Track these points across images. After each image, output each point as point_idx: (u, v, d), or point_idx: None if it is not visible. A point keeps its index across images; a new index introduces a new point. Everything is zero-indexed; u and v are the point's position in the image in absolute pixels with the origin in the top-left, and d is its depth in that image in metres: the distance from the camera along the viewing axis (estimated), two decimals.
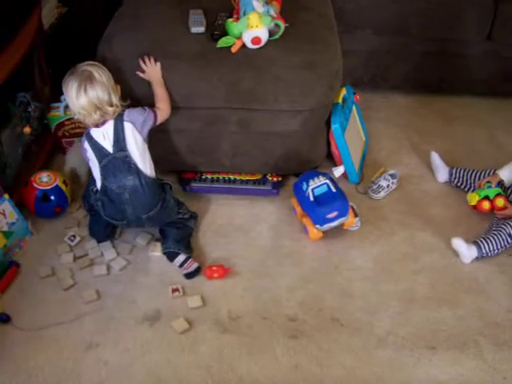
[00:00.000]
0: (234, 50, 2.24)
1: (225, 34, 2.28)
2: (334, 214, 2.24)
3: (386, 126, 2.96)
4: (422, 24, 2.90)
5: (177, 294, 2.12)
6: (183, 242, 2.25)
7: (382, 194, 2.53)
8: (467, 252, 2.25)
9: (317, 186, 2.26)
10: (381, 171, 2.64)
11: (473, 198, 2.40)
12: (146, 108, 2.17)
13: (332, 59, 2.30)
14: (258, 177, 2.50)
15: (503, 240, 2.24)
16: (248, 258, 2.26)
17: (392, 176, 2.57)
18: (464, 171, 2.55)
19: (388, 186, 2.54)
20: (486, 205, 2.37)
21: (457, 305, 2.13)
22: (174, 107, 2.26)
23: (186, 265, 2.19)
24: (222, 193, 2.51)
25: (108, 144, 2.10)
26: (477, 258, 2.26)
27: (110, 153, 2.10)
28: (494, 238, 2.25)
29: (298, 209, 2.36)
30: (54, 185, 2.34)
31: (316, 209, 2.23)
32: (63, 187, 2.36)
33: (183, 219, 2.32)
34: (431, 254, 2.31)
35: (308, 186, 2.27)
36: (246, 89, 2.23)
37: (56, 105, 2.62)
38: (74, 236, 2.31)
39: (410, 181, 2.64)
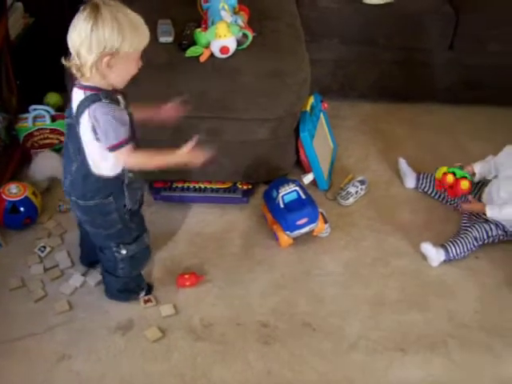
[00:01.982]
0: (202, 59, 2.26)
1: (193, 43, 2.30)
2: (304, 220, 2.27)
3: (354, 134, 3.00)
4: (387, 33, 2.96)
5: (149, 304, 2.11)
6: (130, 294, 2.12)
7: (351, 200, 2.56)
8: (435, 255, 2.29)
9: (286, 192, 2.29)
10: (349, 178, 2.68)
11: (440, 171, 2.46)
12: (112, 141, 1.67)
13: (299, 68, 2.33)
14: (228, 185, 2.51)
15: (470, 243, 2.29)
16: (220, 265, 2.26)
17: (361, 182, 2.60)
18: (431, 176, 2.60)
19: (357, 192, 2.57)
20: (449, 178, 2.40)
21: (426, 307, 2.17)
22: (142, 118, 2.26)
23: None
24: (192, 201, 2.51)
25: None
26: (445, 261, 2.31)
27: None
28: (461, 242, 2.29)
29: (269, 216, 2.38)
30: (23, 196, 2.31)
31: (286, 215, 2.26)
32: (33, 198, 2.35)
33: (119, 255, 1.97)
34: (400, 259, 2.34)
35: (278, 193, 2.29)
36: (215, 98, 2.25)
37: (24, 115, 2.61)
38: (44, 247, 2.29)
39: (378, 187, 2.68)
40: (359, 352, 2.01)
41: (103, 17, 1.53)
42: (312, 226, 2.30)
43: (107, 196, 1.82)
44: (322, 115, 2.73)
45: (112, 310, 2.10)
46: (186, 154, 1.82)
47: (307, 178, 2.48)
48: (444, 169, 2.44)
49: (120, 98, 1.73)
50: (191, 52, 2.28)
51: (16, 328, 2.02)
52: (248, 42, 2.32)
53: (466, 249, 2.29)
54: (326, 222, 2.38)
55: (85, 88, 1.66)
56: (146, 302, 2.12)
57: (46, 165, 2.54)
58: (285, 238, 2.31)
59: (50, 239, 2.34)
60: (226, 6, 2.34)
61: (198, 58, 2.27)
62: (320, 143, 2.62)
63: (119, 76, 1.67)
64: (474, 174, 2.46)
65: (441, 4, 2.99)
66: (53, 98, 2.85)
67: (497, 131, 3.02)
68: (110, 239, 1.94)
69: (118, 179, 1.81)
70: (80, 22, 1.55)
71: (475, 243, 2.30)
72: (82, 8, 1.56)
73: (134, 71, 1.70)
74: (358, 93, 3.20)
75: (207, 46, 2.27)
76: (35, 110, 2.63)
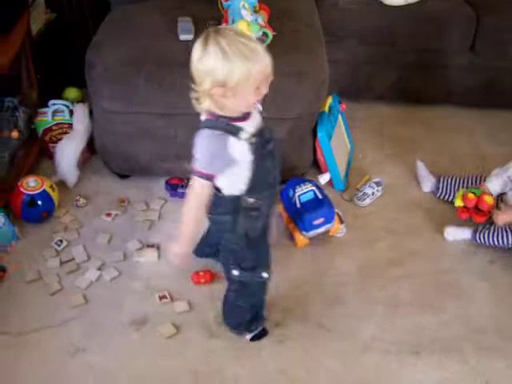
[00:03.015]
0: None
1: None
2: (321, 220, 2.27)
3: (371, 135, 3.00)
4: (406, 35, 2.95)
5: (164, 300, 2.12)
6: (238, 326, 2.02)
7: (368, 201, 2.56)
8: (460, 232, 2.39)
9: (303, 192, 2.29)
10: (366, 179, 2.67)
11: (458, 198, 2.36)
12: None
13: (319, 68, 2.34)
14: None
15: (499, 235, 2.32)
16: None
17: (377, 184, 2.60)
18: (451, 180, 2.57)
19: (373, 193, 2.57)
20: (471, 196, 2.32)
21: (441, 310, 2.16)
22: (162, 114, 2.28)
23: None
24: None
25: None
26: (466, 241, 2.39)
27: None
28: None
29: (285, 215, 2.38)
30: (42, 189, 2.33)
31: (302, 215, 2.26)
32: (50, 192, 2.36)
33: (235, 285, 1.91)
34: (415, 261, 2.34)
35: (294, 192, 2.30)
36: None
37: (43, 110, 2.62)
38: (61, 241, 2.30)
39: (394, 188, 2.68)
40: (373, 353, 2.01)
41: (209, 47, 1.46)
42: (328, 226, 2.30)
43: (224, 214, 1.75)
44: (339, 116, 2.73)
45: (127, 305, 2.11)
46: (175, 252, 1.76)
47: (324, 179, 2.48)
48: (461, 192, 2.38)
49: (248, 126, 1.60)
50: None
51: (31, 320, 2.03)
52: (268, 41, 2.32)
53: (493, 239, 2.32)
54: (341, 222, 2.37)
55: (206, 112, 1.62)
56: (161, 298, 2.13)
57: (71, 149, 2.56)
58: (301, 237, 2.31)
59: (66, 233, 2.36)
60: (247, 5, 2.34)
61: None
62: (337, 144, 2.62)
63: (236, 105, 1.56)
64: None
65: (461, 5, 2.99)
66: (72, 92, 2.87)
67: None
68: (230, 253, 1.86)
69: (234, 200, 1.71)
70: (194, 51, 1.52)
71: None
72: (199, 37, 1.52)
73: (252, 100, 1.57)
74: (375, 94, 3.19)
75: None
76: (54, 104, 2.65)
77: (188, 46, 2.29)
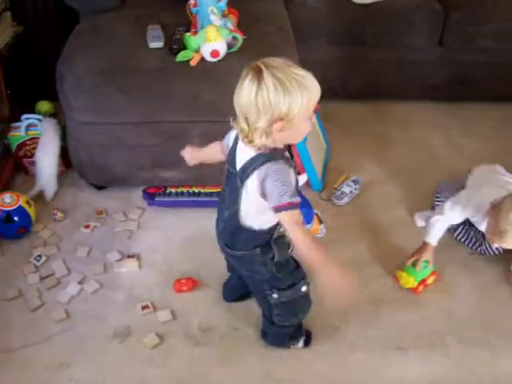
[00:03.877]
0: (193, 63, 2.26)
1: (183, 48, 2.31)
2: None
3: (346, 134, 3.01)
4: (375, 32, 2.97)
5: (147, 310, 2.11)
6: (283, 343, 2.02)
7: (346, 200, 2.57)
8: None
9: None
10: (343, 178, 2.68)
11: (409, 281, 2.18)
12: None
13: None
14: (222, 188, 2.50)
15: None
16: (216, 269, 2.24)
17: (355, 182, 2.61)
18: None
19: (351, 192, 2.58)
20: (421, 288, 2.20)
21: (423, 306, 2.17)
22: (136, 123, 2.27)
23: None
24: (186, 206, 2.51)
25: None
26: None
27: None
28: None
29: None
30: (18, 205, 2.31)
31: None
32: (27, 207, 2.34)
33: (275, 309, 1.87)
34: (396, 257, 2.34)
35: None
36: (207, 101, 2.25)
37: (16, 124, 2.59)
38: (40, 256, 2.28)
39: (372, 186, 2.69)
40: (358, 352, 2.01)
41: (266, 80, 1.42)
42: (307, 226, 2.30)
43: (254, 247, 1.72)
44: (314, 116, 2.73)
45: (110, 317, 2.09)
46: (343, 278, 1.52)
47: (301, 179, 2.48)
48: (411, 280, 2.18)
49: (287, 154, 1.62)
50: (182, 56, 2.28)
51: (14, 338, 2.01)
52: (238, 45, 2.32)
53: None
54: (321, 222, 2.38)
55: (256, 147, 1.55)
56: (143, 308, 2.11)
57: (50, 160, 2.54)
58: None
59: (45, 248, 2.33)
60: (215, 10, 2.34)
61: (188, 62, 2.27)
62: (313, 144, 2.62)
63: (292, 137, 1.58)
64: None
65: (429, 1, 3.01)
66: (44, 106, 2.84)
67: (488, 127, 3.05)
68: (263, 282, 1.83)
69: (268, 234, 1.70)
70: (245, 87, 1.46)
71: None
72: (245, 72, 1.48)
73: (307, 129, 1.58)
74: (348, 93, 3.20)
75: (197, 50, 2.28)
76: (28, 118, 2.62)
77: (158, 54, 2.32)
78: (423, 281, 2.19)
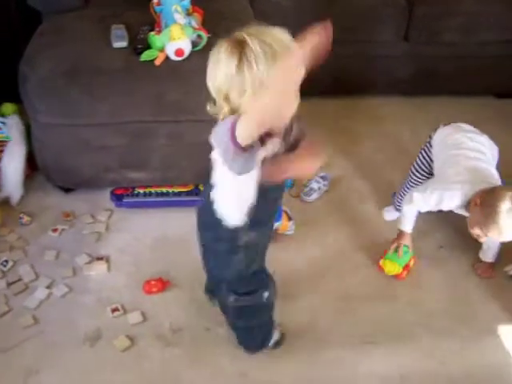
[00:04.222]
0: (157, 62, 2.24)
1: (148, 47, 2.28)
2: None
3: (316, 130, 3.00)
4: (340, 28, 2.93)
5: (117, 313, 2.09)
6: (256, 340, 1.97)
7: (315, 196, 2.57)
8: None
9: None
10: None
11: (394, 268, 2.24)
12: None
13: None
14: (190, 188, 2.49)
15: None
16: (186, 269, 2.24)
17: (323, 178, 2.61)
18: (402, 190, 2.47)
19: (319, 188, 2.58)
20: (405, 274, 2.26)
21: (393, 299, 2.20)
22: (101, 124, 2.25)
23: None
24: (155, 206, 2.49)
25: None
26: None
27: None
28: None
29: None
30: None
31: None
32: None
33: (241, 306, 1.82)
34: (365, 252, 2.36)
35: None
36: (173, 101, 2.24)
37: None
38: (7, 261, 2.24)
39: (340, 182, 2.70)
40: (330, 348, 2.02)
41: (247, 53, 1.28)
42: (276, 224, 2.30)
43: (220, 241, 1.65)
44: None
45: (79, 321, 2.07)
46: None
47: None
48: (396, 267, 2.23)
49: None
50: (146, 56, 2.25)
51: None
52: (203, 43, 2.30)
53: None
54: (290, 219, 2.38)
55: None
56: (113, 310, 2.09)
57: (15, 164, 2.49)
58: None
59: (12, 253, 2.29)
60: (179, 8, 2.32)
61: (153, 61, 2.25)
62: None
63: (280, 112, 1.41)
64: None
65: None
66: (8, 108, 2.78)
67: (456, 119, 3.05)
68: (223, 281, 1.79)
69: (233, 232, 1.57)
70: (223, 62, 1.32)
71: None
72: (218, 46, 1.36)
73: (295, 104, 1.46)
74: (316, 89, 3.18)
75: (162, 49, 2.25)
76: None
77: (123, 54, 2.30)
78: (406, 266, 2.24)
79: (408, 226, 2.21)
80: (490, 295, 2.22)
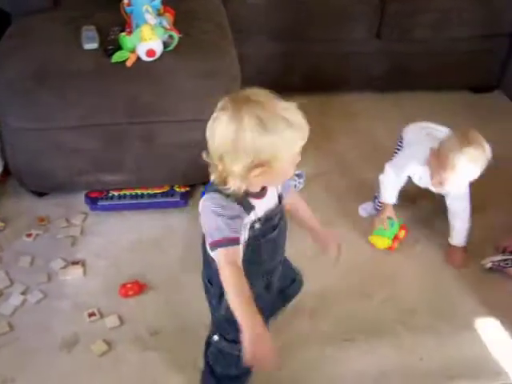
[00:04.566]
0: (129, 63, 2.22)
1: (119, 48, 2.26)
2: None
3: None
4: (314, 26, 2.98)
5: (94, 317, 2.06)
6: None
7: None
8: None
9: None
10: None
11: (384, 242, 2.31)
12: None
13: (229, 66, 2.32)
14: (166, 189, 2.48)
15: None
16: (163, 271, 2.23)
17: (298, 176, 2.60)
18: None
19: (295, 186, 2.57)
20: (396, 244, 2.32)
21: (371, 295, 2.20)
22: (72, 127, 2.22)
23: None
24: (130, 209, 2.47)
25: None
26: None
27: None
28: None
29: None
30: None
31: None
32: None
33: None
34: (342, 249, 2.35)
35: None
36: (146, 102, 2.22)
37: None
38: None
39: (315, 179, 2.69)
40: (309, 346, 2.01)
41: (248, 120, 1.23)
42: None
43: (211, 284, 1.61)
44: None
45: (55, 327, 2.04)
46: (264, 342, 1.28)
47: None
48: (386, 241, 2.30)
49: (259, 207, 1.42)
50: (117, 57, 2.23)
51: None
52: (175, 44, 2.29)
53: None
54: None
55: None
56: (90, 315, 2.07)
57: None
58: None
59: None
60: (150, 8, 2.30)
61: (124, 62, 2.23)
62: None
63: (271, 182, 1.40)
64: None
65: None
66: None
67: (429, 116, 3.06)
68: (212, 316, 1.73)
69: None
70: (222, 124, 1.27)
71: None
72: (222, 103, 1.30)
73: (290, 174, 1.41)
74: (290, 87, 3.17)
75: (133, 50, 2.23)
76: None
77: (94, 55, 2.27)
78: (396, 237, 2.31)
79: (388, 198, 2.30)
80: (467, 289, 2.23)
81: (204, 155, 1.36)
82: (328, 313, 2.12)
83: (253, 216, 1.40)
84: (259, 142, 1.24)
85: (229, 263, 1.31)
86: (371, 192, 2.55)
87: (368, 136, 2.98)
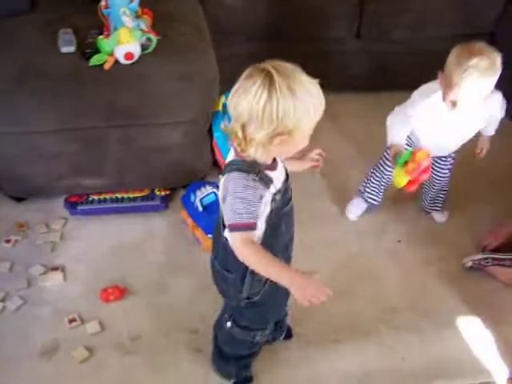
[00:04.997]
0: (107, 66, 2.20)
1: (97, 51, 2.24)
2: None
3: None
4: (292, 27, 2.97)
5: (74, 324, 2.05)
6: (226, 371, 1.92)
7: None
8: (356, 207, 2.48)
9: (204, 195, 2.28)
10: None
11: (398, 176, 2.03)
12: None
13: (207, 68, 2.31)
14: (146, 192, 2.47)
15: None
16: (143, 275, 2.22)
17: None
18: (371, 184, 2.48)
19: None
20: (410, 167, 1.99)
21: (355, 296, 2.20)
22: (51, 131, 2.20)
23: None
24: (110, 213, 2.45)
25: None
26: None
27: None
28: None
29: (189, 220, 2.35)
30: None
31: (206, 218, 2.24)
32: None
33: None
34: (325, 249, 2.36)
35: (196, 196, 2.28)
36: (124, 105, 2.20)
37: None
38: None
39: (296, 179, 2.67)
40: (292, 348, 2.01)
41: (279, 89, 1.26)
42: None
43: (228, 270, 1.60)
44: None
45: (35, 334, 2.02)
46: (307, 284, 1.40)
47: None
48: (398, 171, 2.05)
49: (276, 178, 1.45)
50: (95, 60, 2.21)
51: None
52: (153, 46, 2.27)
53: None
54: None
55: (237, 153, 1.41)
56: (70, 321, 2.05)
57: None
58: (207, 241, 2.28)
59: None
60: (127, 11, 2.28)
61: (102, 65, 2.21)
62: None
63: (286, 152, 1.44)
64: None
65: None
66: None
67: None
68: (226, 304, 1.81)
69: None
70: (251, 92, 1.28)
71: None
72: (249, 72, 1.32)
73: (304, 145, 1.44)
74: None
75: (111, 53, 2.21)
76: None
77: (71, 59, 2.25)
78: (414, 169, 1.98)
79: (396, 138, 2.18)
80: (448, 288, 2.24)
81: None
82: (312, 313, 2.11)
83: (273, 189, 1.42)
84: (287, 110, 1.28)
85: (245, 243, 1.38)
86: (352, 192, 2.56)
87: (348, 136, 2.98)
